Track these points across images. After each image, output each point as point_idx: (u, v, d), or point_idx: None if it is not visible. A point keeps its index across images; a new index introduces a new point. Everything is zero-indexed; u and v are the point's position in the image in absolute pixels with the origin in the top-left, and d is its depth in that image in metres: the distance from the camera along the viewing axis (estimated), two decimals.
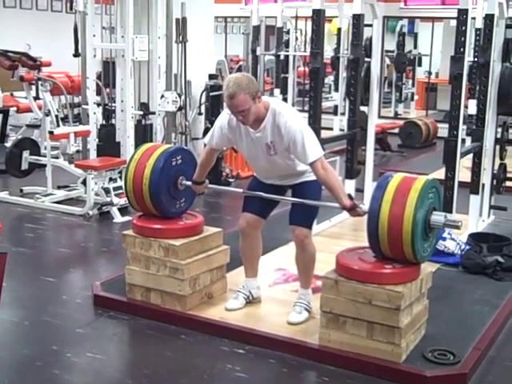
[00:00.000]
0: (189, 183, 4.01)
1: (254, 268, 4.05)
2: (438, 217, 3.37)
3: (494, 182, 5.97)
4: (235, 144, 3.85)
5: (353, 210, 3.53)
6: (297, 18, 12.35)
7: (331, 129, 9.49)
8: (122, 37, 6.62)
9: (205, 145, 4.03)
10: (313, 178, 3.68)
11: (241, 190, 4.14)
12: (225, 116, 3.71)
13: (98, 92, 7.10)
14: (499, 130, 5.98)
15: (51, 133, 6.58)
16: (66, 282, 4.82)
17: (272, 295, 4.22)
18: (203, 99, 7.71)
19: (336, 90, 10.62)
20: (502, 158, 6.07)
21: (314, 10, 5.19)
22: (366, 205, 3.64)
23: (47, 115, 6.80)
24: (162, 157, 3.95)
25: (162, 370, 3.41)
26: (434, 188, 3.40)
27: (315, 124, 5.14)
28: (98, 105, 7.06)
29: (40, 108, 7.46)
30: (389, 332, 3.32)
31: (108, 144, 6.74)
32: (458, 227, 3.44)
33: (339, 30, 9.71)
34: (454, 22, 6.72)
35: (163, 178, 3.93)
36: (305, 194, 3.73)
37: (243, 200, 3.96)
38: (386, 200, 3.27)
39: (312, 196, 3.73)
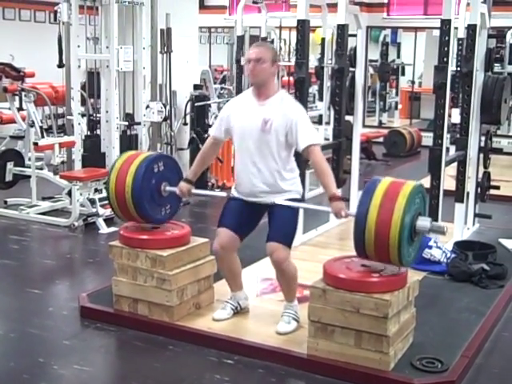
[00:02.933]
0: (173, 189, 3.97)
1: (237, 283, 4.03)
2: (423, 222, 3.38)
3: (479, 190, 6.02)
4: (233, 120, 3.75)
5: (339, 201, 3.53)
6: (281, 28, 12.40)
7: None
8: (107, 47, 6.62)
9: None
10: (293, 195, 3.70)
11: (225, 194, 4.11)
12: (239, 96, 3.83)
13: (83, 102, 7.08)
14: (483, 138, 6.03)
15: (36, 144, 6.54)
16: (51, 293, 4.79)
17: (259, 305, 4.21)
18: (188, 109, 7.72)
19: (320, 99, 10.63)
20: (485, 167, 6.12)
21: (298, 21, 5.22)
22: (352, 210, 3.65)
23: (31, 126, 6.77)
24: (144, 164, 3.91)
25: (150, 382, 3.40)
26: (420, 193, 3.41)
27: None
28: (83, 115, 7.04)
29: (24, 119, 7.42)
30: (377, 340, 3.33)
31: (93, 155, 6.72)
32: (443, 233, 3.46)
33: (323, 39, 9.75)
34: (436, 32, 6.79)
35: (145, 185, 3.89)
36: (282, 216, 3.69)
37: (220, 215, 3.90)
38: (374, 205, 3.27)
39: (289, 221, 3.71)
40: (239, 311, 4.01)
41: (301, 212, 5.21)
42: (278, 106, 3.64)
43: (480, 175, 6.04)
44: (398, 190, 3.31)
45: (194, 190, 4.02)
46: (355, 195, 6.42)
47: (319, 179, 3.63)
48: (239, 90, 9.65)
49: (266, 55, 3.61)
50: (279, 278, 3.81)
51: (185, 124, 7.80)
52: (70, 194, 6.33)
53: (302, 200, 3.88)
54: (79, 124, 6.75)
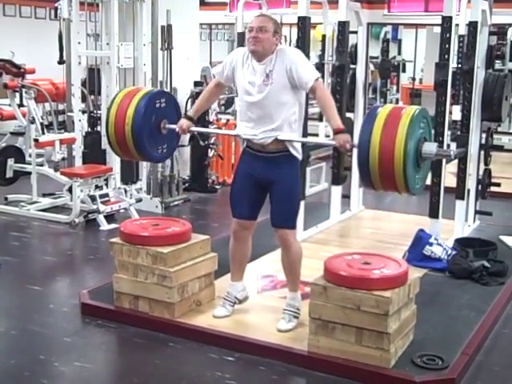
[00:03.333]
0: (173, 126, 3.93)
1: (241, 271, 4.04)
2: (429, 146, 3.32)
3: (479, 187, 6.02)
4: (236, 76, 3.76)
5: (344, 134, 3.50)
6: (281, 24, 12.38)
7: (317, 135, 9.49)
8: (108, 44, 6.61)
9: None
10: (295, 153, 3.69)
11: (234, 132, 4.05)
12: (240, 49, 3.80)
13: (83, 99, 7.08)
14: (483, 135, 6.02)
15: (36, 140, 6.54)
16: (52, 290, 4.79)
17: (260, 302, 4.22)
18: (189, 106, 7.70)
19: None
20: (486, 164, 6.12)
21: (299, 18, 5.21)
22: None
23: (32, 123, 6.77)
24: (146, 97, 3.87)
25: (151, 379, 3.40)
26: (424, 118, 3.35)
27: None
28: (83, 112, 7.04)
29: (24, 115, 7.42)
30: (377, 338, 3.33)
31: (93, 151, 6.72)
32: (449, 156, 3.40)
33: (324, 36, 9.74)
34: (437, 29, 6.77)
35: (146, 119, 3.83)
36: (284, 187, 3.71)
37: (231, 205, 3.92)
38: (376, 131, 3.21)
39: (291, 189, 3.73)
40: (240, 302, 4.02)
41: (301, 207, 5.22)
42: (276, 57, 3.64)
43: (481, 172, 6.03)
44: (400, 115, 3.24)
45: (194, 128, 4.01)
46: (356, 192, 6.43)
47: (324, 113, 3.66)
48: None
49: (268, 25, 3.63)
50: (284, 259, 3.84)
51: None
52: (70, 190, 6.33)
53: (301, 163, 3.87)
54: (80, 121, 6.74)
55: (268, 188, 3.78)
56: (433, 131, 3.49)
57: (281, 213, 3.75)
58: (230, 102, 10.72)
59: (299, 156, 3.77)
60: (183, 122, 3.91)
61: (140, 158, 3.99)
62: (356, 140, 3.36)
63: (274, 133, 3.65)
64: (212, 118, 7.86)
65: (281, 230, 3.76)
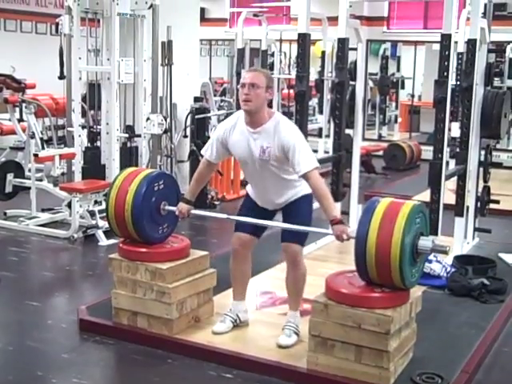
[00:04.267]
0: (172, 208, 3.97)
1: (243, 290, 4.04)
2: (425, 242, 3.36)
3: (478, 204, 6.02)
4: (230, 147, 3.79)
5: (341, 224, 3.52)
6: (281, 40, 12.45)
7: (316, 151, 9.54)
8: (108, 59, 6.64)
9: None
10: (303, 192, 3.73)
11: (225, 216, 4.08)
12: (232, 118, 3.79)
13: (83, 114, 7.09)
14: (483, 152, 6.04)
15: (36, 155, 6.54)
16: (50, 306, 4.78)
17: (259, 318, 4.20)
18: (188, 122, 7.73)
19: (320, 112, 10.69)
20: (485, 181, 6.12)
21: (299, 34, 5.24)
22: (352, 228, 3.64)
23: (32, 137, 6.78)
24: (144, 182, 3.90)
25: None
26: (421, 213, 3.40)
27: None
28: (83, 127, 7.05)
29: (24, 130, 7.43)
30: (377, 356, 3.31)
31: (93, 167, 6.72)
32: (445, 252, 3.45)
33: (323, 53, 9.81)
34: (436, 46, 6.80)
35: (145, 203, 3.88)
36: (296, 215, 3.75)
37: (235, 223, 3.95)
38: (374, 226, 3.27)
39: (303, 216, 3.76)
40: (238, 324, 4.00)
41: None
42: (273, 132, 3.62)
43: (480, 189, 6.04)
44: (398, 210, 3.29)
45: (194, 211, 4.01)
46: (355, 208, 6.43)
47: (319, 203, 3.62)
48: (239, 103, 9.68)
49: (260, 80, 3.59)
50: (289, 277, 3.83)
51: (185, 136, 7.81)
52: (69, 205, 6.33)
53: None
54: (79, 136, 6.75)
55: (280, 212, 3.86)
56: (429, 226, 3.54)
57: (293, 231, 3.73)
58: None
59: (309, 191, 3.75)
60: (182, 207, 3.93)
61: (141, 240, 3.99)
62: (354, 232, 3.40)
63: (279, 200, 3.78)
64: (212, 133, 7.86)
65: (291, 245, 3.74)
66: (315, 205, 6.99)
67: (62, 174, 7.33)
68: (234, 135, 3.75)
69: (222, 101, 11.26)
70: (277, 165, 3.67)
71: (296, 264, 3.78)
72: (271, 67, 11.79)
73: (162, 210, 3.98)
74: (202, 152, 3.95)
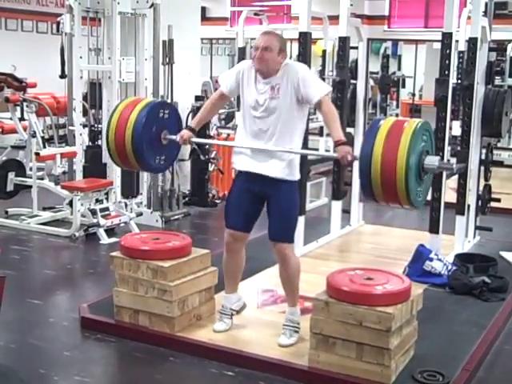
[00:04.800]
0: (173, 137, 3.91)
1: (235, 282, 4.03)
2: (431, 159, 3.32)
3: (479, 202, 6.03)
4: (242, 89, 3.77)
5: (346, 145, 3.51)
6: None
7: (317, 149, 9.52)
8: (109, 58, 6.64)
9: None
10: (292, 177, 3.70)
11: (231, 144, 4.05)
12: (247, 62, 3.82)
13: (84, 113, 7.10)
14: (483, 151, 6.04)
15: (38, 154, 6.56)
16: (52, 304, 4.79)
17: (260, 317, 4.21)
18: (189, 120, 7.72)
19: None
20: (486, 179, 6.13)
21: (300, 33, 5.24)
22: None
23: (33, 136, 6.79)
24: (147, 107, 3.86)
25: None
26: (426, 131, 3.34)
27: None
28: (84, 126, 7.06)
29: (25, 129, 7.44)
30: (378, 353, 3.32)
31: (94, 165, 6.73)
32: (452, 169, 3.39)
33: (324, 51, 9.79)
34: (436, 45, 6.79)
35: (147, 128, 3.82)
36: (283, 208, 3.72)
37: (225, 215, 3.92)
38: (378, 143, 3.21)
39: (289, 203, 3.74)
40: (237, 314, 4.01)
41: (301, 221, 5.23)
42: (282, 73, 3.66)
43: (481, 188, 6.04)
44: (402, 128, 3.23)
45: (195, 139, 3.98)
46: (356, 207, 6.44)
47: (327, 125, 3.69)
48: (239, 102, 9.68)
49: (274, 43, 3.64)
50: (282, 273, 3.83)
51: None
52: (71, 204, 6.34)
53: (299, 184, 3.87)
54: (81, 135, 6.76)
55: (265, 201, 3.79)
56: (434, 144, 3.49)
57: (279, 227, 3.74)
58: (230, 117, 10.76)
59: (296, 178, 3.77)
60: (184, 133, 3.91)
61: (138, 165, 3.95)
62: (358, 152, 3.36)
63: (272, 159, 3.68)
64: (212, 132, 7.88)
65: (278, 244, 3.75)
66: (314, 204, 7.00)
67: (64, 172, 7.36)
68: (248, 78, 3.74)
69: None
70: (284, 102, 3.62)
71: (286, 260, 3.77)
72: None
73: (163, 139, 3.93)
74: (220, 80, 3.93)
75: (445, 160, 5.14)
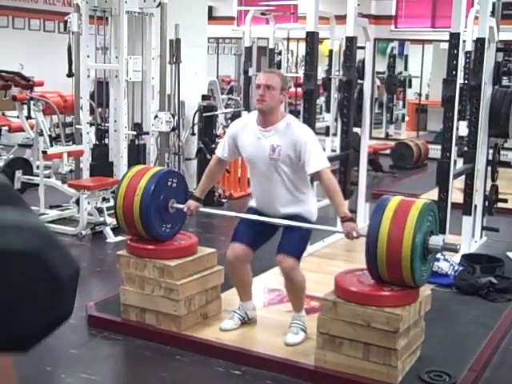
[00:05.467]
0: (180, 206, 3.96)
1: (247, 293, 4.04)
2: (436, 240, 3.36)
3: (486, 203, 6.02)
4: (240, 146, 3.79)
5: (351, 222, 3.52)
6: (288, 39, 12.45)
7: (323, 149, 9.52)
8: (116, 57, 6.65)
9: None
10: (306, 216, 3.71)
11: (234, 214, 4.11)
12: (245, 117, 3.88)
13: (91, 112, 7.11)
14: (491, 151, 6.03)
15: (45, 152, 6.57)
16: None
17: (267, 316, 4.21)
18: (196, 120, 7.74)
19: (327, 110, 10.66)
20: (493, 180, 6.12)
21: (307, 33, 5.24)
22: (361, 228, 3.65)
23: (40, 135, 6.81)
24: (154, 179, 3.92)
25: None
26: (431, 211, 3.40)
27: None
28: (91, 125, 7.07)
29: (32, 127, 7.45)
30: (385, 354, 3.32)
31: (101, 164, 6.74)
32: (456, 250, 3.45)
33: (331, 51, 9.79)
34: (443, 45, 6.78)
35: (154, 200, 3.89)
36: (295, 234, 3.71)
37: (234, 229, 3.92)
38: (385, 224, 3.27)
39: (302, 230, 3.72)
40: (246, 321, 4.01)
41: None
42: (284, 131, 3.63)
43: (488, 188, 6.03)
44: (409, 209, 3.29)
45: (202, 209, 4.01)
46: (362, 207, 6.43)
47: (330, 200, 3.67)
48: (246, 101, 9.68)
49: (275, 82, 3.61)
50: (288, 287, 3.82)
51: (193, 134, 7.82)
52: (77, 202, 6.35)
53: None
54: (88, 133, 6.77)
55: (278, 229, 3.83)
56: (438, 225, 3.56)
57: (288, 243, 3.70)
58: (236, 116, 10.76)
59: (312, 218, 3.78)
60: (191, 203, 3.92)
61: (144, 232, 3.95)
62: (364, 230, 3.41)
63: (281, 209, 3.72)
64: (219, 131, 7.89)
65: (284, 260, 3.66)
66: (322, 203, 7.01)
67: (70, 171, 7.37)
68: (244, 134, 3.75)
69: (229, 99, 11.29)
70: (286, 166, 3.65)
71: (291, 278, 3.71)
72: (278, 66, 11.78)
73: (170, 207, 3.98)
74: (216, 151, 3.98)
75: (451, 161, 5.13)
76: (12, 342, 0.77)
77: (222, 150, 3.88)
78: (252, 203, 3.94)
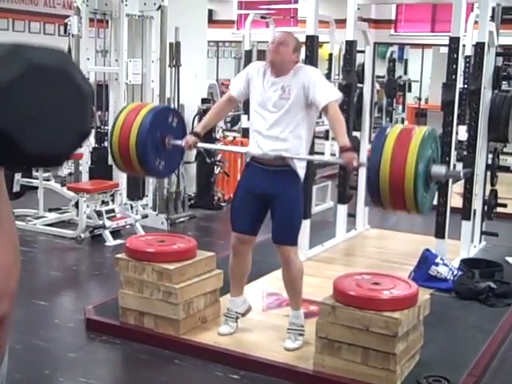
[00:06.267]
0: (178, 142, 3.87)
1: (241, 285, 4.03)
2: (439, 168, 3.31)
3: (485, 207, 6.01)
4: (252, 89, 3.76)
5: (351, 151, 3.52)
6: None
7: (322, 153, 9.53)
8: (116, 60, 6.65)
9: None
10: (296, 173, 3.68)
11: (243, 150, 4.06)
12: (257, 63, 3.86)
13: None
14: (490, 156, 6.03)
15: None
16: (58, 305, 4.79)
17: (266, 320, 4.21)
18: (196, 123, 7.73)
19: None
20: (492, 184, 6.11)
21: (307, 36, 5.25)
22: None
23: None
24: (153, 111, 3.85)
25: None
26: (434, 139, 3.35)
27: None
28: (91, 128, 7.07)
29: None
30: (384, 358, 3.31)
31: (100, 167, 6.74)
32: (459, 177, 3.38)
33: (330, 55, 9.80)
34: (443, 49, 6.78)
35: (152, 132, 3.79)
36: (285, 203, 3.69)
37: (230, 219, 3.91)
38: (387, 151, 3.20)
39: (293, 204, 3.71)
40: (242, 317, 4.01)
41: (307, 225, 5.23)
42: (293, 75, 3.68)
43: (487, 193, 6.03)
44: (411, 136, 3.23)
45: (201, 144, 3.99)
46: (361, 211, 6.43)
47: (333, 130, 3.74)
48: (246, 105, 9.69)
49: (289, 40, 3.70)
50: (285, 276, 3.83)
51: None
52: (76, 205, 6.34)
53: (304, 181, 3.85)
54: None
55: (269, 204, 3.76)
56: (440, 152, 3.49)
57: (282, 230, 3.73)
58: (236, 120, 10.77)
59: (301, 173, 3.74)
60: (189, 138, 3.89)
61: (140, 168, 3.88)
62: (364, 159, 3.36)
63: (282, 148, 3.65)
64: (218, 135, 7.89)
65: (282, 246, 3.75)
66: (320, 208, 6.98)
67: (70, 174, 7.38)
68: (259, 78, 3.75)
69: None
70: (294, 105, 3.62)
71: (289, 263, 3.76)
72: None
73: (167, 144, 3.88)
74: (230, 85, 3.95)
75: (451, 166, 5.13)
76: (51, 154, 0.86)
77: (234, 86, 3.88)
78: (248, 157, 3.87)
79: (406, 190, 3.18)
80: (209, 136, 7.55)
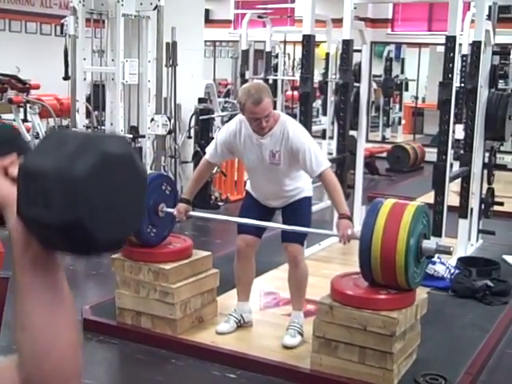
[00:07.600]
0: (171, 210, 3.92)
1: (247, 291, 4.04)
2: (429, 243, 3.36)
3: (482, 206, 6.02)
4: (237, 153, 3.86)
5: (349, 220, 3.53)
6: (285, 42, 12.46)
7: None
8: (113, 60, 6.64)
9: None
10: (305, 194, 3.79)
11: (225, 218, 4.13)
12: (235, 123, 3.74)
13: (88, 115, 7.10)
14: (487, 154, 6.03)
15: None
16: None
17: (263, 319, 4.21)
18: (192, 123, 7.73)
19: (324, 114, 10.68)
20: (489, 183, 6.13)
21: (304, 36, 5.25)
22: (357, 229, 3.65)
23: (37, 138, 6.80)
24: (149, 178, 3.86)
25: None
26: (425, 214, 3.40)
27: None
28: (88, 128, 7.06)
29: (28, 130, 7.43)
30: (381, 357, 3.31)
31: None
32: (449, 252, 3.45)
33: (327, 54, 9.80)
34: (440, 48, 6.79)
35: (147, 196, 3.82)
36: (297, 216, 3.76)
37: (237, 224, 3.95)
38: (378, 226, 3.26)
39: (304, 217, 3.78)
40: (242, 325, 4.01)
41: None
42: (280, 136, 3.62)
43: (484, 191, 6.04)
44: (403, 211, 3.29)
45: (192, 212, 4.04)
46: (358, 210, 6.42)
47: (331, 198, 3.72)
48: (242, 109, 9.66)
49: (269, 107, 3.56)
50: (291, 276, 3.86)
51: (189, 137, 7.81)
52: None
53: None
54: None
55: (279, 210, 3.90)
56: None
57: (293, 232, 3.76)
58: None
59: (310, 193, 3.87)
60: (180, 206, 3.90)
61: (134, 236, 3.85)
62: (358, 232, 3.40)
63: (286, 195, 3.80)
64: (215, 134, 7.87)
65: (291, 245, 3.76)
66: (318, 206, 6.99)
67: None
68: (242, 141, 3.73)
69: (225, 102, 11.27)
70: (286, 167, 3.69)
71: (297, 263, 3.80)
72: (275, 69, 11.79)
73: (160, 211, 3.93)
74: (206, 155, 3.95)
75: (447, 164, 5.13)
76: (120, 239, 0.88)
77: (213, 155, 3.86)
78: (249, 188, 3.99)
79: (397, 265, 3.23)
80: (206, 135, 7.57)
